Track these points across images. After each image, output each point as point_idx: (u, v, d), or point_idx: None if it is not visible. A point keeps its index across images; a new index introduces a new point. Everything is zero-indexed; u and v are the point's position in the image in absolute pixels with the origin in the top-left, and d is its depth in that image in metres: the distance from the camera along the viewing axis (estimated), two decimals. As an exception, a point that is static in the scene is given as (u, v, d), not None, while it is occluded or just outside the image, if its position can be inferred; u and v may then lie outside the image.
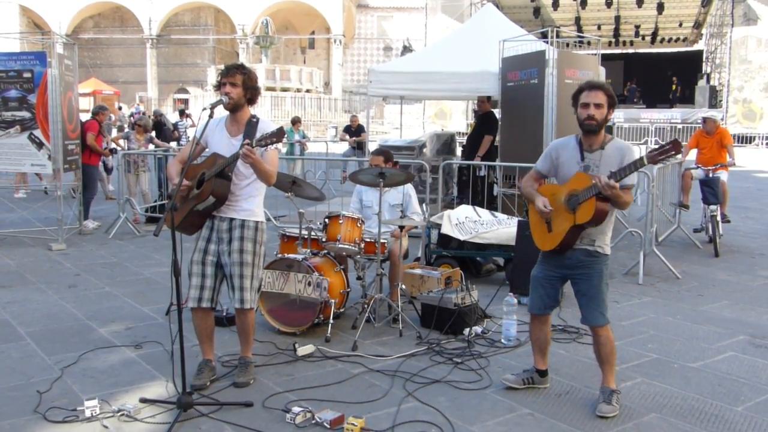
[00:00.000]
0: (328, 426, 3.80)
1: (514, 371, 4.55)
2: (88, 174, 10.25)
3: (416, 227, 6.93)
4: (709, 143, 9.78)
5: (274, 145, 4.14)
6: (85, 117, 10.82)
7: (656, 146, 3.73)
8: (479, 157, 10.45)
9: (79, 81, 11.81)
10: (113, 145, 12.56)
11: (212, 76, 42.14)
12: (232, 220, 4.40)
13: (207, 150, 4.53)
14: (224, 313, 5.63)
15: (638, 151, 4.07)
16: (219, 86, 4.40)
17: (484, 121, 10.91)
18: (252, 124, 4.36)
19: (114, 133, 12.83)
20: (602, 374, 4.22)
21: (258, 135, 4.25)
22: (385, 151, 6.51)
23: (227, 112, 4.42)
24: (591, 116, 3.99)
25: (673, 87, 37.49)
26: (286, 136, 4.42)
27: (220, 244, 4.42)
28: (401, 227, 6.06)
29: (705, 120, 9.93)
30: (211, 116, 4.30)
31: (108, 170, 13.63)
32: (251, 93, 4.40)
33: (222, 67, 4.51)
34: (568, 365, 4.91)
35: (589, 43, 10.20)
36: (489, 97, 10.71)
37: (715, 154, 9.71)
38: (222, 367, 4.72)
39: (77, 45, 10.93)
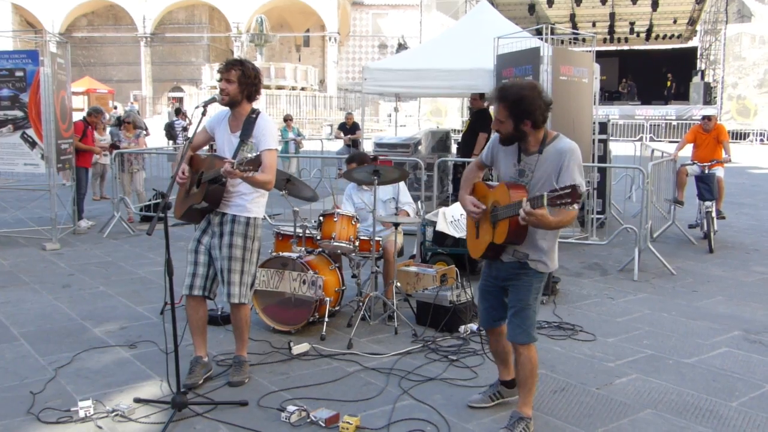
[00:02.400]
0: (324, 425, 3.80)
1: (480, 390, 4.29)
2: (77, 175, 10.19)
3: (410, 223, 6.93)
4: (706, 139, 9.78)
5: (252, 172, 4.02)
6: (78, 116, 10.79)
7: (559, 188, 3.22)
8: (476, 155, 10.43)
9: (73, 80, 11.79)
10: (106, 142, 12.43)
11: (207, 74, 42.12)
12: (224, 214, 4.40)
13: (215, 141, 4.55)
14: (219, 312, 5.61)
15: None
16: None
17: (478, 119, 10.88)
18: (250, 120, 4.34)
19: (107, 134, 12.76)
20: (519, 397, 3.85)
21: (254, 132, 4.28)
22: (358, 156, 6.53)
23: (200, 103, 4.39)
24: (498, 131, 3.71)
25: (668, 84, 37.56)
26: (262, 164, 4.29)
27: (212, 237, 4.43)
28: (395, 223, 6.06)
29: (709, 118, 9.88)
30: (204, 114, 4.30)
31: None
32: (249, 89, 4.34)
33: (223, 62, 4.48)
34: (564, 362, 4.90)
35: (584, 40, 10.18)
36: (482, 95, 10.68)
37: (711, 151, 9.71)
38: (217, 366, 4.71)
39: (70, 43, 10.89)
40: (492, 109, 9.86)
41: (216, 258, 4.42)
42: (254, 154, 4.06)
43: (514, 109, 3.56)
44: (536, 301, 3.78)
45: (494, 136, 3.94)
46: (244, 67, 4.33)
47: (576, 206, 3.24)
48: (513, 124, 3.60)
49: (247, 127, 4.32)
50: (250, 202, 4.44)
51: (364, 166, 5.96)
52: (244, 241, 4.40)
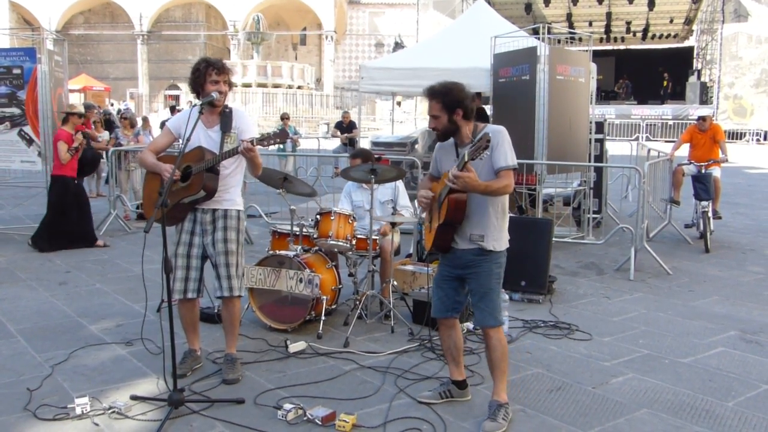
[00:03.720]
0: (320, 423, 3.80)
1: (431, 386, 4.33)
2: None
3: (407, 222, 6.92)
4: (702, 139, 9.80)
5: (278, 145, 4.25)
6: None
7: (475, 141, 3.62)
8: None
9: (70, 77, 11.77)
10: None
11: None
12: (215, 211, 4.44)
13: (178, 142, 4.53)
14: (216, 310, 5.61)
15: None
16: (203, 82, 4.36)
17: None
18: (226, 114, 4.45)
19: (104, 132, 12.76)
20: (493, 384, 3.97)
21: (234, 125, 4.40)
22: (363, 152, 6.50)
23: (197, 105, 4.36)
24: (435, 128, 3.95)
25: (664, 83, 37.65)
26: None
27: (204, 236, 4.45)
28: (392, 223, 6.06)
29: (704, 118, 9.91)
30: (201, 113, 4.31)
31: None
32: (230, 88, 4.51)
33: (203, 62, 4.44)
34: (560, 361, 4.91)
35: (580, 39, 10.20)
36: (479, 94, 10.67)
37: (708, 150, 9.73)
38: (213, 364, 4.71)
39: (67, 41, 10.88)
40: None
41: (211, 255, 4.44)
42: (276, 130, 4.25)
43: (445, 100, 3.85)
44: (498, 285, 3.94)
45: (437, 144, 4.20)
46: (230, 71, 4.49)
47: (486, 155, 3.58)
48: (447, 116, 3.87)
49: (224, 120, 4.43)
50: (237, 196, 4.55)
51: (365, 164, 5.95)
52: (237, 234, 4.50)
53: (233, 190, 4.50)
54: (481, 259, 3.90)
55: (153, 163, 4.44)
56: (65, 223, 8.46)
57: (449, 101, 3.86)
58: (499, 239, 3.93)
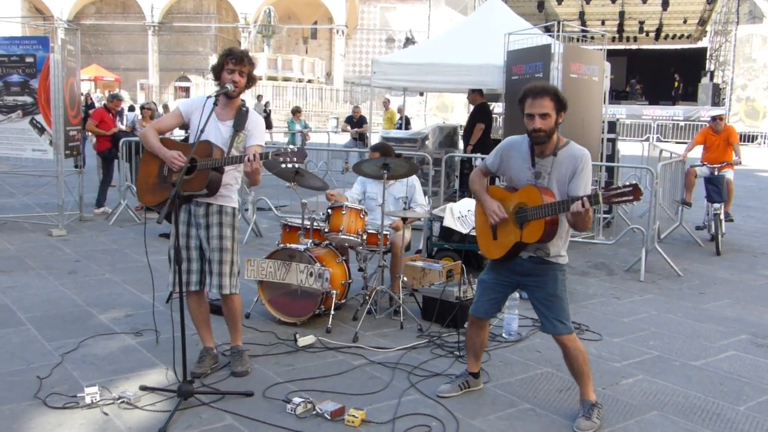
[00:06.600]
0: (329, 417, 3.79)
1: (446, 381, 4.34)
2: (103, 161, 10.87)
3: (419, 219, 6.90)
4: (716, 141, 9.75)
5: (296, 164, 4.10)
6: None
7: (616, 187, 3.40)
8: (471, 146, 10.49)
9: (81, 67, 11.76)
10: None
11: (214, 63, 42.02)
12: (209, 205, 4.35)
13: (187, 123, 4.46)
14: (223, 302, 5.60)
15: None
16: (221, 70, 4.30)
17: (477, 112, 10.95)
18: (242, 113, 4.37)
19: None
20: (579, 387, 3.96)
21: (247, 126, 4.32)
22: (383, 146, 6.45)
23: (212, 95, 4.31)
24: (537, 129, 3.65)
25: (676, 84, 37.49)
26: (306, 157, 4.33)
27: (198, 229, 4.39)
28: (404, 219, 6.04)
29: (721, 117, 9.85)
30: (215, 104, 4.26)
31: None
32: (250, 84, 4.41)
33: (227, 50, 4.38)
34: (570, 361, 4.88)
35: (592, 38, 10.15)
36: (481, 91, 10.70)
37: (721, 153, 9.68)
38: (222, 356, 4.70)
39: (80, 30, 10.87)
40: (497, 106, 9.78)
41: (205, 249, 4.39)
42: (296, 147, 4.10)
43: (558, 98, 3.68)
44: (565, 292, 3.87)
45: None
46: (252, 64, 4.39)
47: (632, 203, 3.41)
48: (555, 117, 3.68)
49: (239, 118, 4.34)
50: (234, 193, 4.47)
51: (379, 158, 5.92)
52: (232, 231, 4.41)
53: (230, 187, 4.41)
54: (546, 268, 3.84)
55: (158, 147, 4.29)
56: None
57: (559, 103, 3.67)
58: (562, 252, 3.87)
